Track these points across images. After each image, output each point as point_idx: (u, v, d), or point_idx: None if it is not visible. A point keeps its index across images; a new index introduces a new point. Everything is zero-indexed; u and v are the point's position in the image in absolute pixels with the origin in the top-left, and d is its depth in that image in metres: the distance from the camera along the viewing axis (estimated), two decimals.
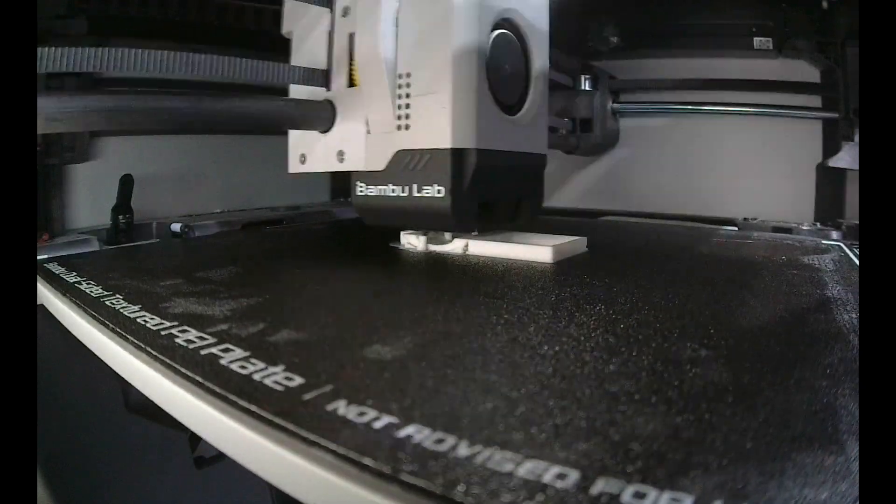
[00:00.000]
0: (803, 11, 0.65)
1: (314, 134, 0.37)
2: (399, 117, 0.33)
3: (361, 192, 0.36)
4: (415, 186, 0.33)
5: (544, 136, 0.39)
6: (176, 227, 0.59)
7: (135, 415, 0.35)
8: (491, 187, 0.34)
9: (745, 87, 0.69)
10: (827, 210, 0.67)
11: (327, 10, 0.37)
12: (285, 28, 0.40)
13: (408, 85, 0.33)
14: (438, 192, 0.32)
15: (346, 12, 0.36)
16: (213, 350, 0.19)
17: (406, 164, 0.33)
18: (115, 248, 0.49)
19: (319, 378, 0.17)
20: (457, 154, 0.32)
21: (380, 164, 0.34)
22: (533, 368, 0.18)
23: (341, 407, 0.15)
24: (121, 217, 0.58)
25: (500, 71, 0.34)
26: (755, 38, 0.67)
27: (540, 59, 0.38)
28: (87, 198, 0.62)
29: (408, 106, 0.33)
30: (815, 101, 0.67)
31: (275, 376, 0.17)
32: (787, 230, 0.59)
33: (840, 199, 0.67)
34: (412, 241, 0.40)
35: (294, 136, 0.39)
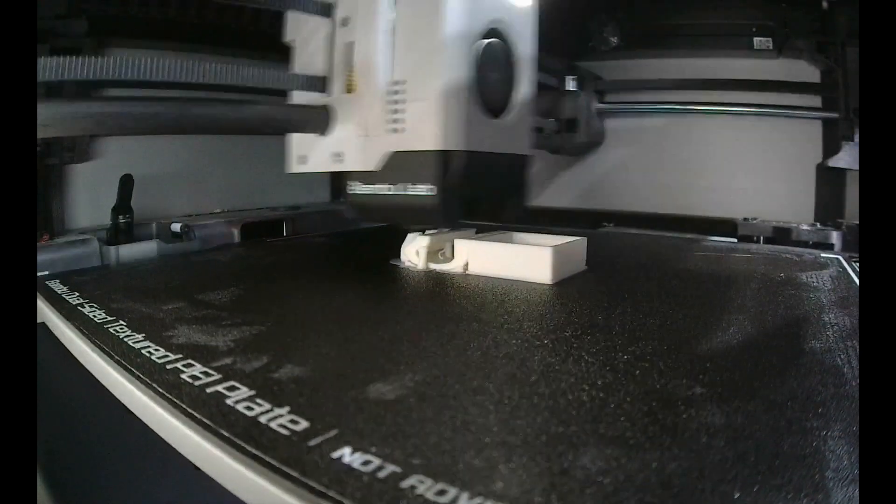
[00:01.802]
0: (803, 11, 0.65)
1: (314, 136, 0.39)
2: (393, 121, 0.35)
3: (354, 190, 0.38)
4: (406, 185, 0.35)
5: (527, 138, 0.42)
6: (176, 227, 0.59)
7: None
8: (477, 185, 0.36)
9: (745, 87, 0.69)
10: (827, 210, 0.67)
11: (327, 19, 0.38)
12: (287, 37, 0.41)
13: (402, 91, 0.35)
14: (429, 189, 0.34)
15: (345, 22, 0.37)
16: (219, 388, 0.19)
17: (398, 165, 0.35)
18: (115, 265, 0.49)
19: (324, 421, 0.17)
20: (445, 155, 0.34)
21: (374, 165, 0.36)
22: (530, 411, 0.18)
23: (346, 454, 0.15)
24: (121, 217, 0.58)
25: (487, 77, 0.36)
26: (755, 38, 0.67)
27: (525, 64, 0.40)
28: (87, 198, 0.62)
29: (401, 111, 0.35)
30: (815, 101, 0.67)
31: (280, 419, 0.17)
32: (787, 230, 0.60)
33: (840, 199, 0.67)
34: (412, 259, 0.40)
35: (295, 137, 0.41)
